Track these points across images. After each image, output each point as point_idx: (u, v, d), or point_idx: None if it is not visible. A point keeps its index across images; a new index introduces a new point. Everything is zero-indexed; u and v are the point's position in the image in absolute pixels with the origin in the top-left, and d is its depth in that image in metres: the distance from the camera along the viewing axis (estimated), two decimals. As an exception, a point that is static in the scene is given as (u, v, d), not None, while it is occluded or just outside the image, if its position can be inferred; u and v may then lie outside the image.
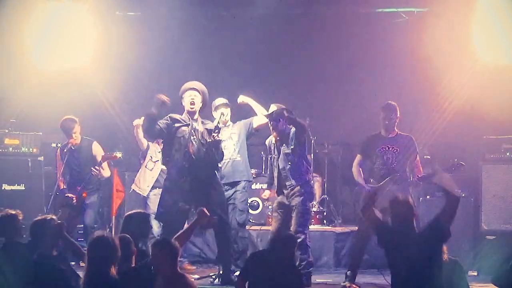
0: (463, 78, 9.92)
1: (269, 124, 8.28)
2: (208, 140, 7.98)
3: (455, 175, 8.73)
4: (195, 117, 8.13)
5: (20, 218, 6.72)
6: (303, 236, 7.98)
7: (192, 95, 8.12)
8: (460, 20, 9.78)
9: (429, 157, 9.43)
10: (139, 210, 6.89)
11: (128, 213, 6.77)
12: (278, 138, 8.26)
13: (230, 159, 8.68)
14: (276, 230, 8.15)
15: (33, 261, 6.24)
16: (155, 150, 9.48)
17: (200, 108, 8.20)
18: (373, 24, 10.85)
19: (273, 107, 8.32)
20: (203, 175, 8.00)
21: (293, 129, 8.20)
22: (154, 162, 9.47)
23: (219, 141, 8.01)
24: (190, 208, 8.02)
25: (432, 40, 9.93)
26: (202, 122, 8.16)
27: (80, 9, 10.00)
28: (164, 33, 10.63)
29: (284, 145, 8.23)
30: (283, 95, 10.70)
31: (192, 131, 8.00)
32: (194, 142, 7.97)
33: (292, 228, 8.01)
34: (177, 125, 8.02)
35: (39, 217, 6.63)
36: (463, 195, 9.44)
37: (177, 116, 8.13)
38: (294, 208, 8.12)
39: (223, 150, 8.27)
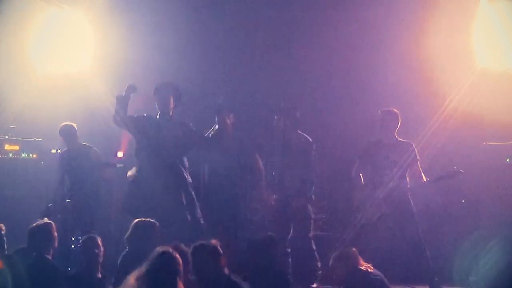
0: (464, 84, 9.89)
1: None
2: (180, 137, 8.01)
3: (456, 181, 8.79)
4: (168, 116, 8.14)
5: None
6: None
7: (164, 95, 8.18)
8: (461, 25, 9.76)
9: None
10: (146, 219, 6.85)
11: (135, 221, 6.75)
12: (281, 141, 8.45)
13: None
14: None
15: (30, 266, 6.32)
16: None
17: (173, 107, 8.20)
18: (373, 28, 10.83)
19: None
20: (172, 174, 7.96)
21: None
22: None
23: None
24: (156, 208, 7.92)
25: (433, 45, 9.91)
26: (175, 121, 8.17)
27: (80, 14, 9.99)
28: (163, 36, 10.64)
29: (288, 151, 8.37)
30: (281, 97, 10.76)
31: (162, 129, 8.02)
32: (162, 141, 7.97)
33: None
34: (147, 123, 8.07)
35: (37, 223, 6.73)
36: (463, 201, 9.48)
37: (149, 115, 8.18)
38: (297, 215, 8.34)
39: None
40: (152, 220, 6.73)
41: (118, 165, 9.35)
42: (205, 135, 8.14)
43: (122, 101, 7.88)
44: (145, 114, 8.14)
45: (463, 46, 9.78)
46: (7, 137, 10.02)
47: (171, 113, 8.12)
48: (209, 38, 11.21)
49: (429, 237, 8.87)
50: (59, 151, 9.69)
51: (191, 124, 8.26)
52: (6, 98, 9.96)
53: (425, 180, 8.29)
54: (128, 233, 6.68)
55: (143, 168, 7.99)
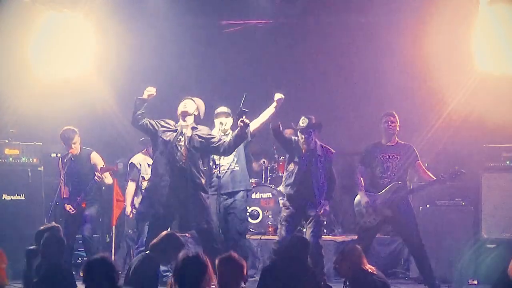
0: (464, 86, 9.90)
1: (301, 137, 8.46)
2: (196, 146, 7.96)
3: (456, 183, 8.80)
4: (187, 123, 8.09)
5: None
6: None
7: (186, 102, 8.16)
8: (461, 29, 9.76)
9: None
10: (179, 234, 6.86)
11: (167, 232, 6.75)
12: (307, 152, 8.47)
13: (228, 169, 8.68)
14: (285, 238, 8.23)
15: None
16: (146, 169, 9.47)
17: (194, 116, 8.16)
18: (374, 34, 10.84)
19: (305, 120, 8.46)
20: (185, 180, 7.92)
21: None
22: (148, 181, 9.44)
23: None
24: (170, 213, 8.00)
25: (433, 49, 9.92)
26: (194, 128, 8.09)
27: (80, 19, 9.96)
28: (162, 41, 10.65)
29: (313, 159, 8.42)
30: (284, 105, 10.74)
31: (180, 135, 7.97)
32: (179, 147, 7.93)
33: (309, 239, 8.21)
34: (164, 128, 8.03)
35: (45, 225, 6.74)
36: (463, 203, 9.48)
37: (168, 120, 8.14)
38: (312, 219, 8.37)
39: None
40: (182, 238, 6.75)
41: (119, 165, 9.32)
42: (223, 138, 8.18)
43: (141, 104, 7.87)
44: (165, 120, 8.10)
45: (463, 50, 9.77)
46: (7, 141, 9.97)
47: (192, 121, 8.09)
48: (211, 42, 11.24)
49: (429, 239, 8.87)
50: (59, 155, 9.68)
51: (208, 128, 8.27)
52: (6, 102, 9.95)
53: (434, 178, 8.29)
54: (156, 240, 6.62)
55: (159, 175, 7.98)
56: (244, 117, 7.78)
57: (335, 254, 9.64)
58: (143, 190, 9.52)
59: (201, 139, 8.00)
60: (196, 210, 7.97)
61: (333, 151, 8.63)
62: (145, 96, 7.93)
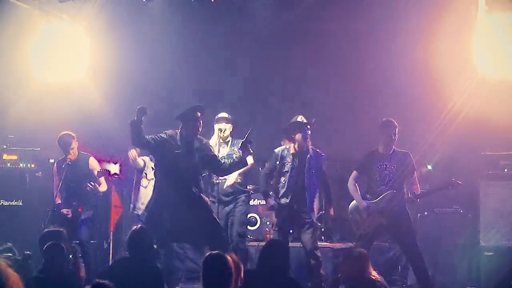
0: (463, 93, 9.87)
1: (296, 134, 8.48)
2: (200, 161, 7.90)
3: (454, 191, 8.78)
4: (191, 140, 7.93)
5: None
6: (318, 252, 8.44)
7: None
8: (461, 34, 9.75)
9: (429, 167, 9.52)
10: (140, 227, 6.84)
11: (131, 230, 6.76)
12: (298, 151, 8.49)
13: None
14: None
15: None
16: (150, 167, 9.41)
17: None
18: (376, 39, 10.83)
19: (301, 118, 8.54)
20: (189, 190, 7.82)
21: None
22: (149, 180, 9.39)
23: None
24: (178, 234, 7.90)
25: (433, 54, 9.92)
26: (197, 141, 7.95)
27: (78, 27, 9.97)
28: (159, 47, 10.66)
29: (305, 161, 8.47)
30: (281, 109, 10.76)
31: (184, 150, 7.82)
32: (184, 162, 7.80)
33: (309, 244, 8.35)
34: (166, 143, 7.85)
35: (50, 229, 6.87)
36: (461, 211, 9.46)
37: (170, 131, 7.98)
38: (307, 224, 8.42)
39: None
40: (144, 227, 6.80)
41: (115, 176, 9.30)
42: (224, 160, 8.21)
43: (136, 125, 7.61)
44: (166, 134, 7.90)
45: (463, 55, 9.74)
46: (5, 146, 10.02)
47: (198, 135, 7.95)
48: (207, 48, 11.25)
49: (428, 247, 8.85)
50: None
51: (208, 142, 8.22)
52: (4, 108, 9.97)
53: (419, 192, 8.29)
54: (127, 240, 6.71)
55: (163, 194, 7.85)
56: (248, 146, 7.82)
57: (332, 260, 9.69)
58: (141, 186, 9.54)
59: (202, 155, 7.90)
60: (208, 225, 7.82)
61: (322, 154, 8.65)
62: (138, 117, 7.63)
